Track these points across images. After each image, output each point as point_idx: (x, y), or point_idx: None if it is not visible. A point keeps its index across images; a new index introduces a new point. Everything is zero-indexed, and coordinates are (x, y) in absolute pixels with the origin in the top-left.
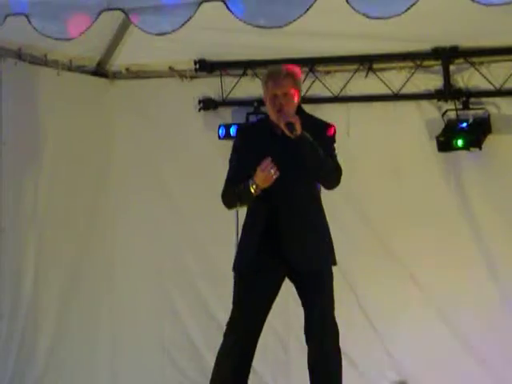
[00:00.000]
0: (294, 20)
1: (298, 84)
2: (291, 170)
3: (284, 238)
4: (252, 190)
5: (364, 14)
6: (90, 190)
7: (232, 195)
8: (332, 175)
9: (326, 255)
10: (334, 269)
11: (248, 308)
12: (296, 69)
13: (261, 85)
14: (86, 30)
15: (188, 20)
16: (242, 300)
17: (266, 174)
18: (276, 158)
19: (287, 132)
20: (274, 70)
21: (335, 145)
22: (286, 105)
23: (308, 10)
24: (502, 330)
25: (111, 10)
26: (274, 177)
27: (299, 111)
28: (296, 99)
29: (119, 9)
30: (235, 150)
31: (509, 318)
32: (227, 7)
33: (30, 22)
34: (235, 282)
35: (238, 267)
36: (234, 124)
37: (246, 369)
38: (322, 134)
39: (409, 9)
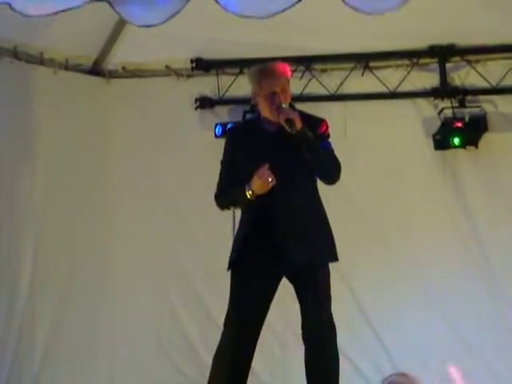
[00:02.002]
0: (282, 11)
1: (289, 80)
2: (285, 166)
3: (280, 235)
4: (248, 196)
5: (356, 9)
6: (87, 189)
7: (227, 198)
8: (332, 170)
9: (324, 252)
10: (333, 269)
11: (243, 306)
12: (287, 65)
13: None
14: (63, 11)
15: (176, 13)
16: (237, 298)
17: (262, 182)
18: (269, 155)
19: (287, 128)
20: (266, 67)
21: (329, 140)
22: (285, 101)
23: (297, 3)
24: (502, 329)
25: (96, 1)
26: (271, 185)
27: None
28: None
29: (104, 0)
30: (226, 151)
31: (508, 316)
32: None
33: (13, 9)
34: (231, 279)
35: (230, 264)
36: (229, 122)
37: (243, 369)
38: (315, 131)
39: (403, 5)
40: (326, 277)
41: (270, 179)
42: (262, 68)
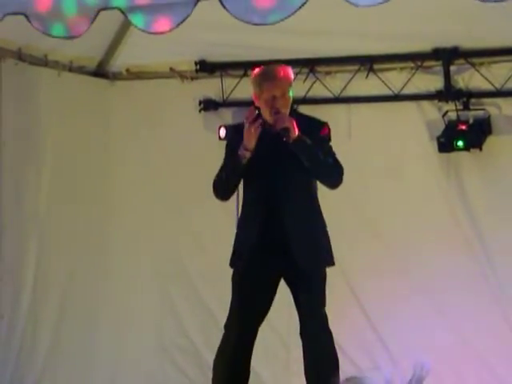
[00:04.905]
0: (286, 18)
1: (291, 84)
2: (284, 167)
3: (281, 237)
4: (239, 153)
5: (352, 3)
6: (90, 189)
7: (221, 176)
8: (333, 174)
9: (322, 255)
10: (334, 269)
11: (244, 308)
12: (290, 69)
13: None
14: (86, 30)
15: (185, 19)
16: (238, 300)
17: (248, 122)
18: (268, 156)
19: (283, 137)
20: (269, 70)
21: (331, 143)
22: (285, 106)
23: (299, 9)
24: (502, 327)
25: (108, 9)
26: (257, 127)
27: (290, 111)
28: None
29: (116, 8)
30: (226, 150)
31: (509, 315)
32: (222, 5)
33: (29, 22)
34: (233, 282)
35: (235, 267)
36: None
37: (244, 369)
38: (315, 134)
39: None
40: (322, 278)
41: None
42: (263, 71)
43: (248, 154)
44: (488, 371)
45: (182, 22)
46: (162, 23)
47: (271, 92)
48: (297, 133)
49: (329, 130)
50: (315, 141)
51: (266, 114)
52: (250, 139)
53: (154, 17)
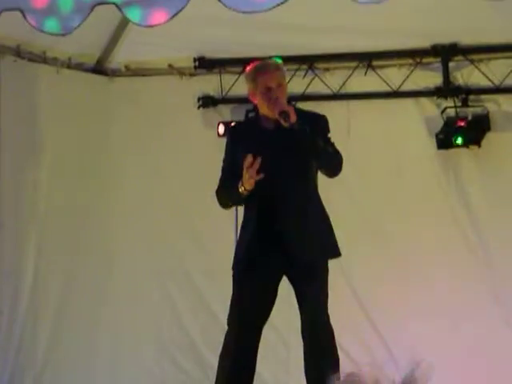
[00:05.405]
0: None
1: (284, 75)
2: (285, 163)
3: (281, 234)
4: (240, 190)
5: None
6: (90, 188)
7: (223, 195)
8: (332, 162)
9: (325, 249)
10: (334, 268)
11: (245, 306)
12: (280, 62)
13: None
14: (79, 25)
15: (180, 10)
16: (239, 298)
17: (247, 175)
18: (268, 153)
19: (282, 121)
20: (260, 64)
21: (329, 134)
22: (282, 96)
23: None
24: (503, 327)
25: (103, 4)
26: (256, 178)
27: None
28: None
29: (111, 3)
30: (226, 150)
31: (509, 314)
32: None
33: (24, 18)
34: (233, 280)
35: (235, 265)
36: (232, 121)
37: (247, 368)
38: (314, 126)
39: None
40: (325, 276)
41: (252, 173)
42: (255, 66)
43: (247, 193)
44: (488, 371)
45: (177, 14)
46: (158, 16)
47: (267, 84)
48: (295, 117)
49: (326, 121)
50: (314, 132)
51: (264, 108)
52: (251, 183)
53: (149, 10)
